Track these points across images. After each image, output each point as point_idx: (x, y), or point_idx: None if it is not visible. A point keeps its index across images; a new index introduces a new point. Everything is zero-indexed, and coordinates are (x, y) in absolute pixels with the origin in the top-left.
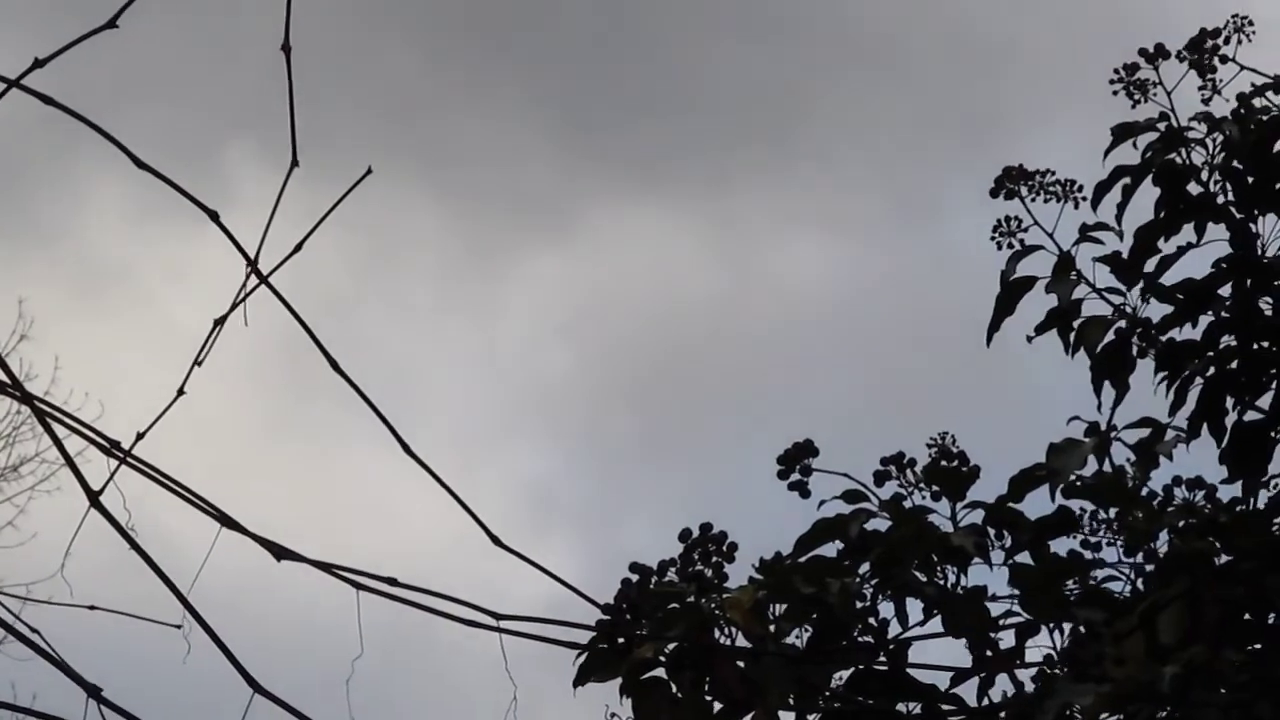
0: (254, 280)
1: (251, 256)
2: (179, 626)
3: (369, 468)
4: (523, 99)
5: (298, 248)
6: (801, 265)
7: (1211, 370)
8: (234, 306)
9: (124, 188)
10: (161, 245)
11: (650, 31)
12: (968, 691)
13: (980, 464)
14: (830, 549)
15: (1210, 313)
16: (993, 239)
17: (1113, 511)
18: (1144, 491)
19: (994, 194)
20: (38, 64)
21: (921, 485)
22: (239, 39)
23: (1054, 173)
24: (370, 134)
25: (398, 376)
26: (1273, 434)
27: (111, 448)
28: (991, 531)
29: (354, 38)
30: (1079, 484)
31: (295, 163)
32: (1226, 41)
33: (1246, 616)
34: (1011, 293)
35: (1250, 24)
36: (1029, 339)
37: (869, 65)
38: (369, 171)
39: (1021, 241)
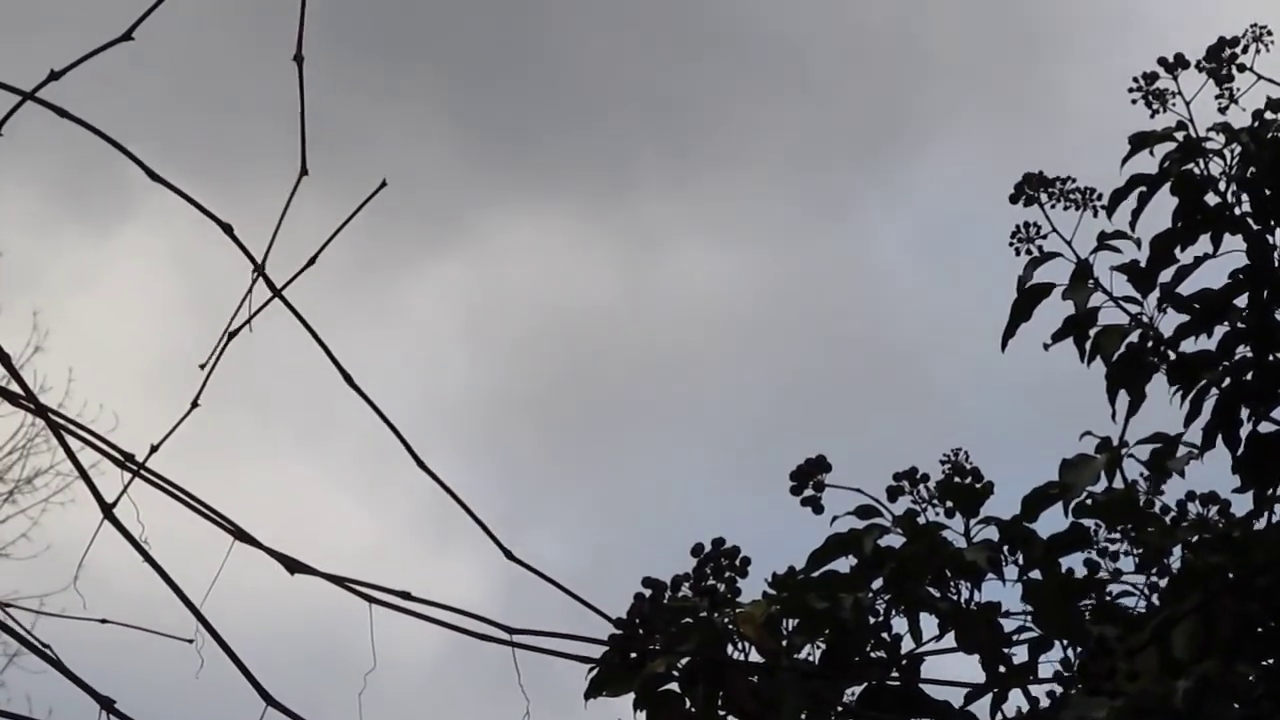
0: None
1: (253, 267)
2: (191, 640)
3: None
4: (423, 104)
5: (311, 261)
6: (705, 273)
7: (1227, 381)
8: (248, 319)
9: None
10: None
11: (553, 38)
12: (981, 708)
13: (884, 469)
14: (843, 564)
15: (1226, 323)
16: (1011, 244)
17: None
18: (1157, 507)
19: (1014, 200)
20: (53, 76)
21: (935, 501)
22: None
23: (1074, 180)
24: (269, 140)
25: (301, 386)
26: None
27: (125, 460)
28: (1005, 547)
29: (256, 43)
30: (1091, 501)
31: (304, 171)
32: (1245, 50)
33: (1260, 631)
34: (1028, 298)
35: (1269, 33)
36: (1045, 346)
37: (771, 72)
38: (384, 184)
39: (1040, 248)
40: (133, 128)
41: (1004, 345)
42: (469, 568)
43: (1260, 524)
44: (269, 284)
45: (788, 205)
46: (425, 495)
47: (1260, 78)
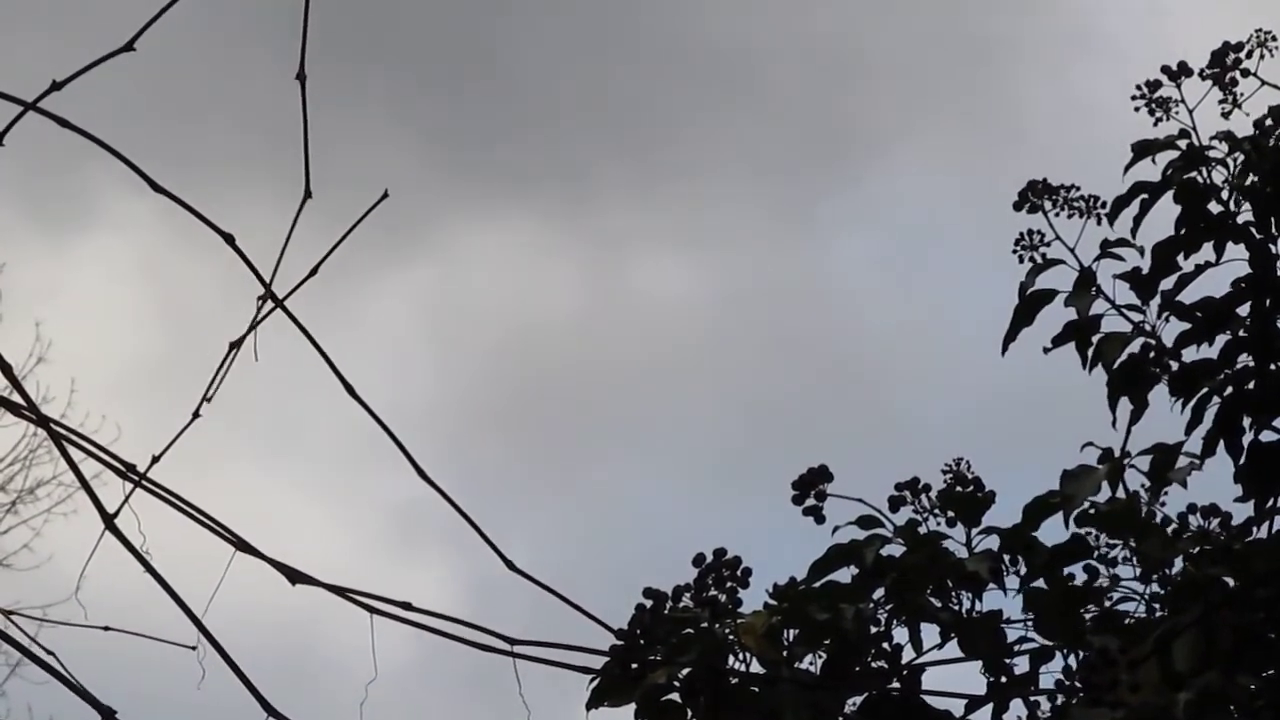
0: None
1: (267, 281)
2: (193, 648)
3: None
4: (385, 114)
5: (313, 272)
6: (668, 282)
7: (1229, 390)
8: (249, 330)
9: None
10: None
11: (513, 48)
12: (982, 717)
13: (852, 484)
14: (844, 574)
15: (1228, 332)
16: (1014, 252)
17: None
18: (1158, 517)
19: (1017, 208)
20: (55, 86)
21: (936, 511)
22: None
23: (1078, 188)
24: (232, 149)
25: (266, 398)
26: None
27: (127, 471)
28: (1006, 557)
29: (216, 54)
30: (1093, 511)
31: (308, 194)
32: (1249, 56)
33: (1261, 642)
34: (1030, 305)
35: (1273, 39)
36: (1045, 351)
37: (729, 83)
38: (385, 195)
39: (1043, 255)
40: (117, 136)
41: (1004, 350)
42: (436, 578)
43: (1260, 534)
44: (271, 295)
45: (749, 215)
46: (386, 508)
47: (1264, 83)
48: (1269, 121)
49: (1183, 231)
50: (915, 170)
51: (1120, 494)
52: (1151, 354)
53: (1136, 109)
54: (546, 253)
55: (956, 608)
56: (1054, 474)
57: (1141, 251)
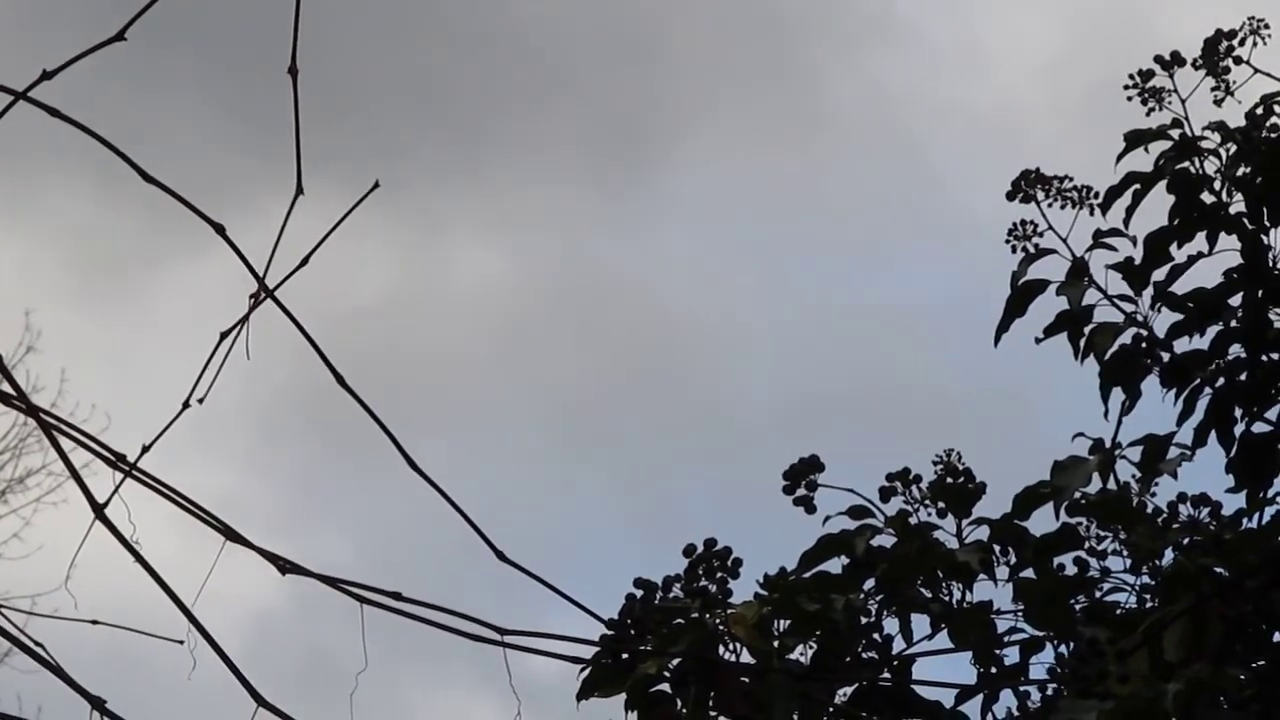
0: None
1: (259, 272)
2: (180, 642)
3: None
4: (195, 98)
5: (304, 262)
6: (485, 267)
7: (1221, 381)
8: (240, 321)
9: None
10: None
11: (322, 30)
12: (972, 708)
13: (673, 470)
14: (835, 565)
15: (1220, 322)
16: (1008, 242)
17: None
18: (1149, 508)
19: (1010, 198)
20: (46, 76)
21: (927, 502)
22: None
23: (1071, 178)
24: (38, 130)
25: (67, 386)
26: None
27: (117, 460)
28: (996, 548)
29: (21, 36)
30: (1084, 502)
31: (300, 190)
32: (1241, 43)
33: (1251, 633)
34: (1022, 295)
35: (1266, 26)
36: (1037, 341)
37: (539, 66)
38: (376, 185)
39: (1036, 245)
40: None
41: (996, 341)
42: (257, 570)
43: (1250, 525)
44: (262, 285)
45: (565, 199)
46: (201, 498)
47: (1256, 71)
48: (1260, 111)
49: (1175, 222)
50: (722, 153)
51: (1111, 485)
52: (1143, 344)
53: (1129, 98)
54: (361, 235)
55: (947, 598)
56: (874, 467)
57: (1134, 242)
